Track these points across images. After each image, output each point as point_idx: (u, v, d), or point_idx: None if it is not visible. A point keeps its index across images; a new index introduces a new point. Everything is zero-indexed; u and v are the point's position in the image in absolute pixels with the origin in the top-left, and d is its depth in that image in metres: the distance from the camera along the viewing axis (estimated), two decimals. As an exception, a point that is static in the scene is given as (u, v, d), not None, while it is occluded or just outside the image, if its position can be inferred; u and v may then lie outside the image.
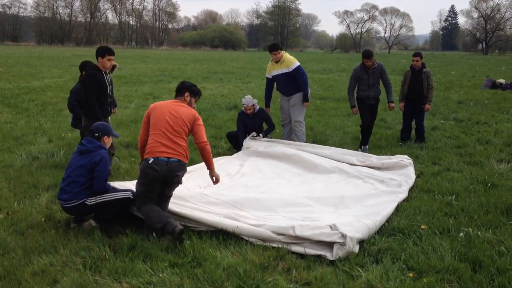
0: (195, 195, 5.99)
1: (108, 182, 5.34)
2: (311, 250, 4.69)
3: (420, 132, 9.76)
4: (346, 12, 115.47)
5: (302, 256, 4.69)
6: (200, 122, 5.39)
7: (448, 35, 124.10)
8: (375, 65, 9.03)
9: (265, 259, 4.56)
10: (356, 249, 4.69)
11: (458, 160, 8.43)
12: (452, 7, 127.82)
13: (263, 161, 7.90)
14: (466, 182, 7.06)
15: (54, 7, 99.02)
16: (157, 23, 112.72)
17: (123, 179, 6.84)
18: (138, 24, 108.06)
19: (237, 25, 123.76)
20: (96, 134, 5.39)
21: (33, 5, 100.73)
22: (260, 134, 8.90)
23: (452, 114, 13.10)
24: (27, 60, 34.64)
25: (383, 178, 7.07)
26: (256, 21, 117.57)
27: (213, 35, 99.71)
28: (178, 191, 6.06)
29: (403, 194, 6.41)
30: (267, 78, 9.41)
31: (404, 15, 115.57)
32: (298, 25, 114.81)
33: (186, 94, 5.48)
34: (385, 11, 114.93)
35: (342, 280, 4.21)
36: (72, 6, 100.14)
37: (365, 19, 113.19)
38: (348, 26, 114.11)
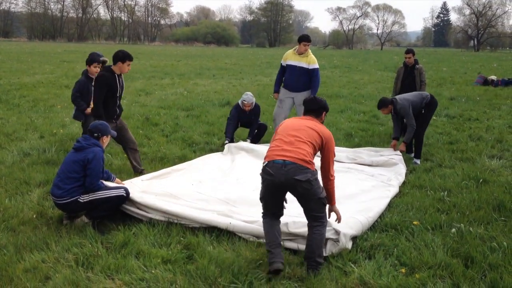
0: (187, 193, 5.98)
1: (101, 180, 5.33)
2: (304, 247, 4.70)
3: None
4: (338, 8, 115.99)
5: (295, 252, 4.71)
6: (332, 147, 4.59)
7: (440, 31, 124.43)
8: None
9: (259, 255, 4.56)
10: (349, 245, 4.70)
11: (450, 156, 8.47)
12: (444, 4, 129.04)
13: (253, 157, 7.88)
14: (458, 178, 7.10)
15: (46, 2, 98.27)
16: (149, 19, 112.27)
17: (116, 175, 6.82)
18: (130, 20, 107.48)
19: (230, 21, 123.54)
20: (95, 134, 5.38)
21: (24, 0, 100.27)
22: (248, 140, 8.91)
23: (444, 111, 13.14)
24: (18, 56, 34.39)
25: (373, 173, 7.12)
26: (249, 17, 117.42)
27: (206, 31, 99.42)
28: (169, 188, 6.06)
29: (394, 188, 6.44)
30: (281, 64, 9.22)
31: (397, 12, 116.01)
32: (291, 22, 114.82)
33: (324, 113, 4.84)
34: (377, 8, 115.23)
35: (335, 276, 4.22)
36: (63, 2, 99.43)
37: (358, 16, 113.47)
38: (341, 22, 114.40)
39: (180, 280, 4.11)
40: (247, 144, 8.45)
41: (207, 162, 7.69)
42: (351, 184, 6.66)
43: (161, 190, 5.93)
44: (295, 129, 4.46)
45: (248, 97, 8.95)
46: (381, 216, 5.53)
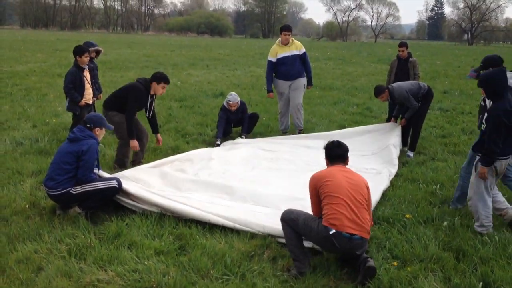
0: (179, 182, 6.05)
1: (94, 172, 5.31)
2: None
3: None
4: (333, 0, 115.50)
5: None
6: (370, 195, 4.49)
7: (434, 25, 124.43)
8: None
9: (251, 247, 4.58)
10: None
11: (443, 149, 8.51)
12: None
13: (252, 150, 7.93)
14: (451, 171, 7.13)
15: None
16: (142, 8, 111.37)
17: (107, 166, 6.81)
18: (124, 9, 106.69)
19: (224, 11, 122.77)
20: (88, 125, 5.35)
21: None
22: (243, 136, 8.92)
23: (437, 104, 13.18)
24: (11, 44, 34.08)
25: (367, 167, 7.13)
26: (243, 8, 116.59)
27: (200, 21, 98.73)
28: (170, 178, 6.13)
29: (386, 182, 6.45)
30: (269, 61, 9.26)
31: (391, 4, 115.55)
32: (285, 13, 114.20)
33: (348, 157, 4.64)
34: (372, 0, 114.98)
35: (329, 269, 4.24)
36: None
37: (352, 8, 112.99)
38: (335, 14, 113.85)
39: (173, 271, 4.12)
40: (244, 141, 8.63)
41: (200, 152, 7.73)
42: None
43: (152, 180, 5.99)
44: (352, 188, 4.21)
45: (233, 97, 9.02)
46: (374, 208, 5.55)
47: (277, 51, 9.13)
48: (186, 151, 7.73)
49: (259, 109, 11.55)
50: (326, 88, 16.44)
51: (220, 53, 34.58)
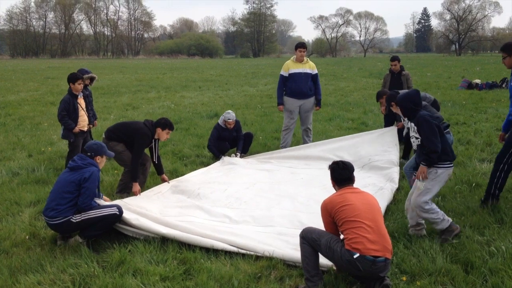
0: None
1: (94, 199, 5.26)
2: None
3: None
4: (321, 17, 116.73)
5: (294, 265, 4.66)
6: None
7: (421, 37, 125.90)
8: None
9: (258, 269, 4.52)
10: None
11: (441, 161, 8.48)
12: (425, 9, 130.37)
13: (256, 171, 7.94)
14: (451, 182, 7.11)
15: (28, 19, 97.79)
16: (132, 32, 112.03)
17: (105, 192, 6.76)
18: (114, 34, 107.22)
19: (213, 32, 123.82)
20: (89, 154, 5.33)
21: (5, 18, 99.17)
22: (238, 153, 8.89)
23: (432, 116, 13.19)
24: (2, 74, 34.09)
25: (368, 183, 7.10)
26: (232, 28, 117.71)
27: (190, 43, 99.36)
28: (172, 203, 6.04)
29: (389, 197, 6.43)
30: (281, 75, 9.38)
31: (378, 19, 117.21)
32: (274, 31, 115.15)
33: (354, 176, 4.55)
34: (359, 15, 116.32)
35: (338, 286, 4.19)
36: (46, 18, 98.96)
37: (340, 24, 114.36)
38: (323, 31, 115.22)
39: (180, 297, 4.05)
40: (238, 160, 8.58)
41: (200, 174, 7.70)
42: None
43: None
44: (368, 209, 4.19)
45: (231, 115, 9.05)
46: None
47: (290, 66, 9.26)
48: (184, 174, 7.69)
49: (254, 128, 11.54)
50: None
51: (211, 74, 34.73)
